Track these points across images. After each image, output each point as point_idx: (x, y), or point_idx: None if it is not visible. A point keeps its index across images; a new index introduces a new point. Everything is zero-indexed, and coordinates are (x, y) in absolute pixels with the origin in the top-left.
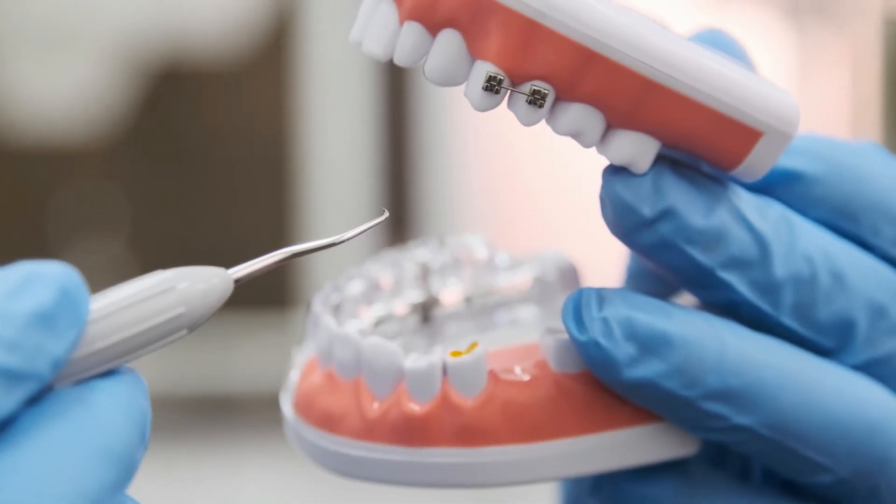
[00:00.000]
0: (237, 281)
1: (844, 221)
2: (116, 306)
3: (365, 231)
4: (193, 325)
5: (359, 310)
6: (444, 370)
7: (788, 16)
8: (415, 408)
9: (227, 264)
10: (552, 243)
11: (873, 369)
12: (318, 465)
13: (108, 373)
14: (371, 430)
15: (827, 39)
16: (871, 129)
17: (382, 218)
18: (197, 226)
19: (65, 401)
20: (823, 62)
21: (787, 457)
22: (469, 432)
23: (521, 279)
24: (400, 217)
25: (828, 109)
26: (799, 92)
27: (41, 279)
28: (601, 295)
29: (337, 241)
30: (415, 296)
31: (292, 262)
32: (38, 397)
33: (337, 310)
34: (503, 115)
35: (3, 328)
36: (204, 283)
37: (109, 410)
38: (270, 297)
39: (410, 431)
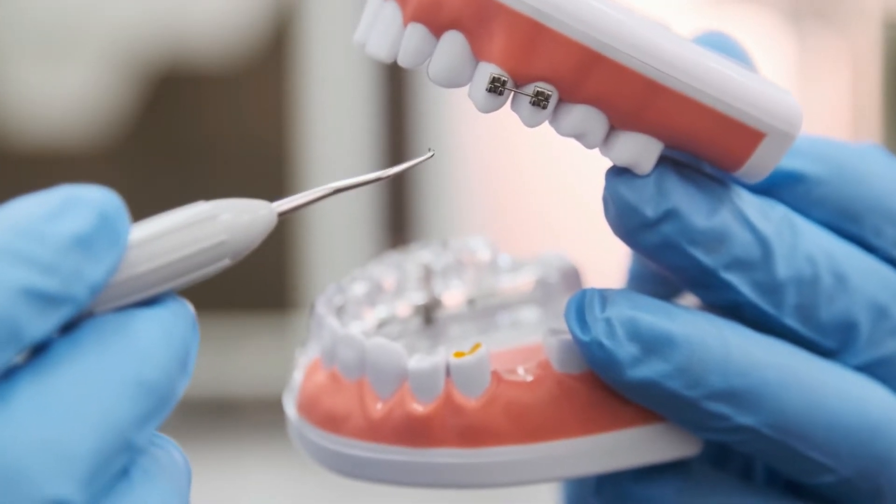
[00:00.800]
0: (281, 214)
1: (846, 222)
2: (158, 232)
3: (411, 167)
4: (235, 256)
5: (362, 311)
6: (448, 371)
7: (788, 19)
8: (418, 408)
9: (228, 268)
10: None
11: (875, 370)
12: (322, 466)
13: (151, 301)
14: (374, 431)
15: (826, 42)
16: (871, 131)
17: (429, 156)
18: None
19: (101, 328)
20: (823, 65)
21: (790, 457)
22: (472, 433)
23: (523, 281)
24: (400, 220)
25: (827, 112)
26: (799, 95)
27: (80, 203)
28: (604, 295)
29: (381, 177)
30: (417, 297)
31: (292, 264)
32: (75, 323)
33: (340, 311)
34: (503, 117)
35: (40, 250)
36: (247, 213)
37: (147, 339)
38: (271, 299)
39: (414, 432)
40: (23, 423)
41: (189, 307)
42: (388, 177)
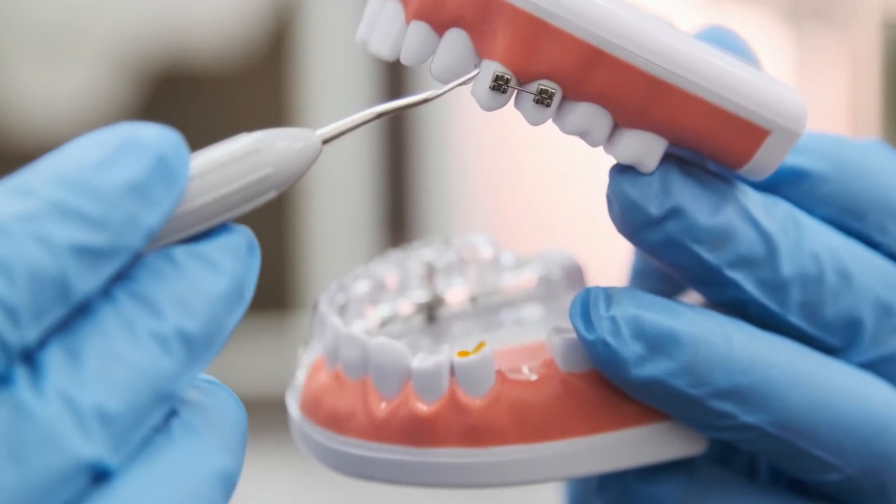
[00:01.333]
0: (325, 141)
1: (851, 220)
2: (205, 167)
3: (459, 85)
4: (281, 186)
5: (364, 310)
6: (452, 370)
7: (787, 18)
8: (422, 408)
9: None
10: (554, 242)
11: (880, 367)
12: (325, 466)
13: (205, 235)
14: (378, 430)
15: (826, 42)
16: (871, 131)
17: (475, 73)
18: None
19: (148, 272)
20: (823, 65)
21: (795, 455)
22: (476, 432)
23: (526, 279)
24: (400, 218)
25: (827, 112)
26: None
27: (138, 146)
28: (609, 294)
29: (429, 98)
30: (420, 296)
31: (292, 264)
32: (129, 265)
33: (343, 310)
34: (504, 116)
35: (90, 205)
36: (293, 143)
37: (196, 279)
38: (271, 299)
39: (418, 431)
40: (54, 385)
41: (246, 233)
42: (437, 97)
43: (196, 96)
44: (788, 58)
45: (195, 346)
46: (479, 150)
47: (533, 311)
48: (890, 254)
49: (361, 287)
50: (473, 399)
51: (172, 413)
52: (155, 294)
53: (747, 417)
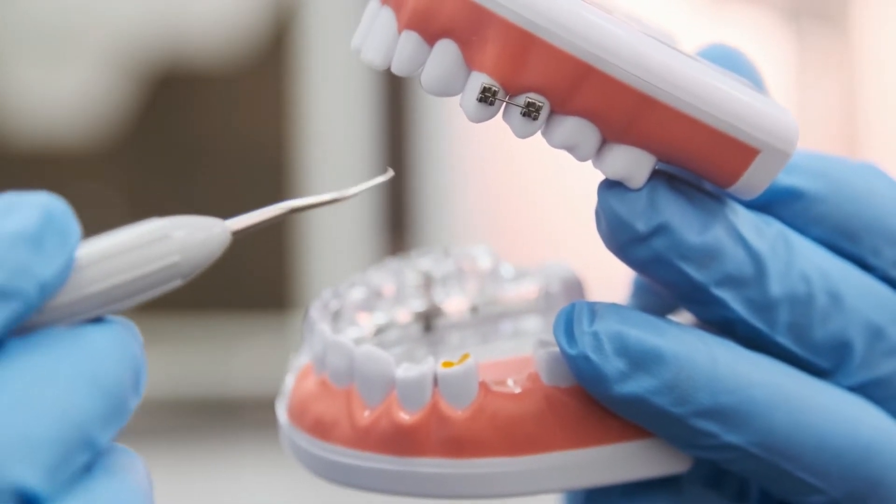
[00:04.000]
0: (234, 233)
1: (844, 241)
2: (110, 251)
3: (368, 188)
4: (187, 275)
5: (358, 317)
6: (435, 380)
7: (787, 18)
8: (405, 417)
9: (227, 268)
10: (551, 252)
11: (870, 391)
12: (310, 472)
13: (101, 320)
14: (361, 439)
15: (826, 42)
16: (870, 132)
17: (387, 176)
18: None
19: (54, 334)
20: (822, 65)
21: (779, 477)
22: (458, 443)
23: (525, 290)
24: (399, 222)
25: (826, 112)
26: (797, 95)
27: (24, 204)
28: (593, 309)
29: (339, 198)
30: (417, 304)
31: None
32: (28, 329)
33: (336, 316)
34: (502, 124)
35: None
36: (201, 232)
37: (100, 345)
38: (268, 299)
39: (400, 441)
40: None
41: (135, 328)
42: (346, 199)
43: (196, 96)
44: (788, 58)
45: (109, 400)
46: (480, 157)
47: (532, 324)
48: (883, 277)
49: (356, 294)
50: (455, 410)
51: (94, 460)
52: (62, 350)
53: (730, 437)
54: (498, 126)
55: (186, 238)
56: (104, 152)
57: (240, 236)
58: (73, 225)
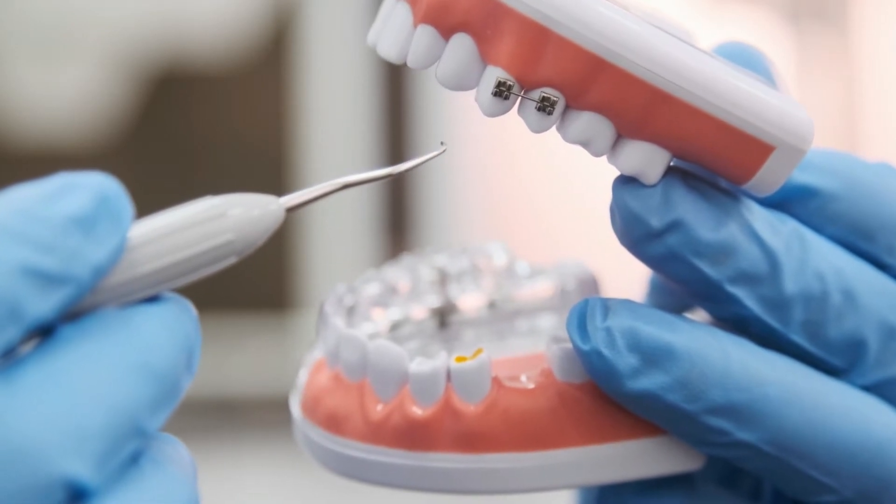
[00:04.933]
0: (289, 210)
1: (859, 240)
2: (165, 230)
3: (423, 163)
4: (242, 252)
5: (372, 312)
6: (448, 375)
7: (787, 18)
8: (417, 412)
9: (227, 268)
10: (558, 251)
11: (884, 390)
12: (323, 466)
13: (155, 298)
14: (374, 433)
15: (826, 42)
16: (869, 132)
17: (441, 151)
18: None
19: (105, 318)
20: (822, 65)
21: (791, 475)
22: (471, 438)
23: (540, 288)
24: (401, 221)
25: (826, 112)
26: (797, 95)
27: (79, 186)
28: (606, 305)
29: (392, 173)
30: (432, 301)
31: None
32: (80, 313)
33: (351, 311)
34: (505, 122)
35: (38, 229)
36: (256, 209)
37: (152, 330)
38: (271, 299)
39: (413, 435)
40: (32, 400)
41: (190, 306)
42: (399, 173)
43: (196, 96)
44: (788, 58)
45: (160, 385)
46: (480, 157)
47: (547, 321)
48: None
49: (371, 290)
50: (468, 405)
51: (142, 451)
52: (114, 335)
53: (742, 435)
54: (499, 126)
55: (241, 216)
56: (104, 152)
57: (294, 213)
58: (127, 206)
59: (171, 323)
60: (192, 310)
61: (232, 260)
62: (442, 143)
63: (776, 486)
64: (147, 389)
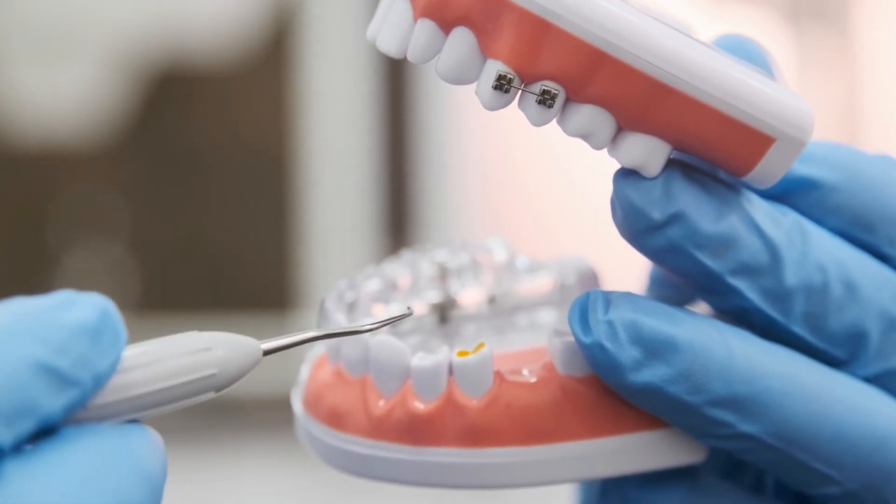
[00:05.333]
0: (266, 352)
1: (860, 231)
2: (155, 356)
3: (388, 323)
4: (220, 388)
5: (373, 308)
6: (450, 370)
7: (787, 18)
8: (420, 406)
9: (227, 265)
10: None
11: (885, 381)
12: (325, 463)
13: (135, 423)
14: (377, 428)
15: (826, 42)
16: (869, 132)
17: (409, 313)
18: (197, 230)
19: (103, 428)
20: (822, 65)
21: (794, 467)
22: (473, 433)
23: (540, 283)
24: (400, 220)
25: (826, 112)
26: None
27: (82, 301)
28: (608, 298)
29: (360, 330)
30: (432, 296)
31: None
32: (78, 420)
33: (352, 307)
34: (505, 120)
35: (53, 333)
36: (236, 349)
37: (145, 444)
38: (268, 299)
39: (415, 430)
40: (48, 489)
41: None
42: (367, 331)
43: (197, 97)
44: (788, 58)
45: (152, 493)
46: (480, 156)
47: (547, 316)
48: None
49: (372, 285)
50: (471, 399)
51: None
52: (114, 441)
53: (745, 427)
54: (498, 126)
55: (223, 353)
56: (104, 152)
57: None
58: (122, 325)
59: (156, 442)
60: (162, 443)
61: (211, 394)
62: (409, 308)
63: (779, 478)
64: (145, 495)
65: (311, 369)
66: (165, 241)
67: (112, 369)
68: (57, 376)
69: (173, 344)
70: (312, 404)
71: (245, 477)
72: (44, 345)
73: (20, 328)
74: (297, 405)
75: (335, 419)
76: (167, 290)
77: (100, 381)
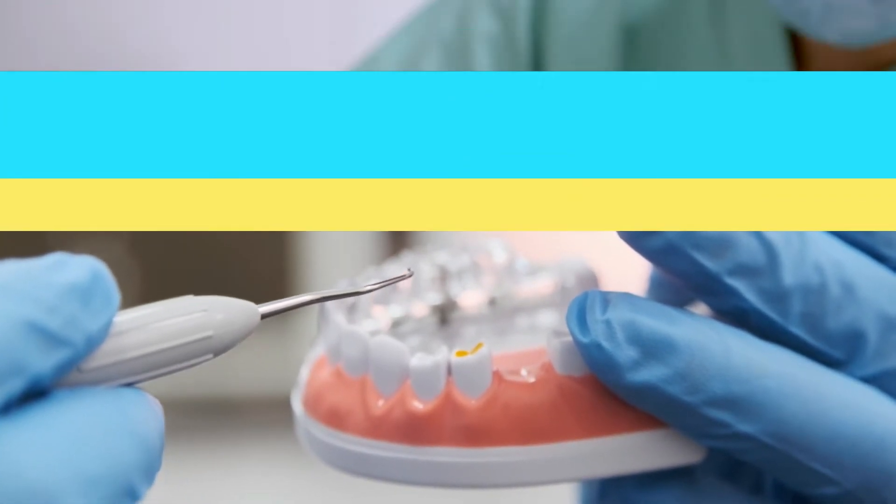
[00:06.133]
0: (264, 315)
1: (857, 232)
2: (150, 319)
3: (389, 284)
4: (218, 351)
5: (373, 310)
6: (449, 370)
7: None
8: (418, 406)
9: (227, 266)
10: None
11: (883, 382)
12: (325, 463)
13: (131, 387)
14: (376, 428)
15: None
16: None
17: (408, 275)
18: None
19: (96, 390)
20: None
21: (792, 467)
22: (472, 432)
23: (540, 285)
24: None
25: None
26: None
27: (74, 262)
28: (606, 298)
29: (361, 291)
30: (433, 298)
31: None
32: (71, 384)
33: (352, 308)
34: None
35: (43, 292)
36: (233, 311)
37: (140, 406)
38: (271, 299)
39: (414, 430)
40: (39, 444)
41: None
42: (367, 291)
43: None
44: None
45: (149, 456)
46: None
47: (547, 318)
48: None
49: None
50: (469, 399)
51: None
52: (108, 403)
53: (743, 427)
54: None
55: (219, 315)
56: None
57: (267, 319)
58: (115, 288)
59: (152, 405)
60: (160, 409)
61: (209, 357)
62: (409, 269)
63: (777, 479)
64: (139, 455)
65: (311, 370)
66: (166, 241)
67: (104, 331)
68: (47, 336)
69: (169, 307)
70: (312, 404)
71: (244, 477)
72: (34, 304)
73: (9, 288)
74: (298, 406)
75: (335, 419)
76: (167, 290)
77: (92, 343)
